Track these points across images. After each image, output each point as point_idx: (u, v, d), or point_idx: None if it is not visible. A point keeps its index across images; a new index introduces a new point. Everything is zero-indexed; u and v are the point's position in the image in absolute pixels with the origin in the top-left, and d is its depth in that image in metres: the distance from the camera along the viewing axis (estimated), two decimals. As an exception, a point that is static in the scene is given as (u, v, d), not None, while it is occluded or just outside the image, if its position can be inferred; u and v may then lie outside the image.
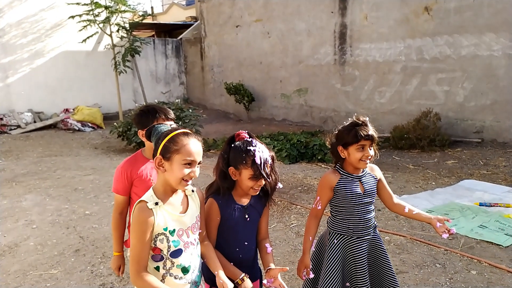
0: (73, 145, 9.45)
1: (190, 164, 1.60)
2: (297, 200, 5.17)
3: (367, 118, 2.17)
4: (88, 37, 11.05)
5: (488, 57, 7.38)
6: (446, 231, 2.06)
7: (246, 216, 1.94)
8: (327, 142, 2.34)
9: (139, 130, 2.25)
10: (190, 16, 17.00)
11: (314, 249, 2.43)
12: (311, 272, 1.98)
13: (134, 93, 13.52)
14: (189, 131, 1.67)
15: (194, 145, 1.62)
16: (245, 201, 1.94)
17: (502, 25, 7.12)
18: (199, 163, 1.63)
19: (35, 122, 11.28)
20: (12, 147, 9.04)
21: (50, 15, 11.80)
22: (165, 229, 1.61)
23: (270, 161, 1.83)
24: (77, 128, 11.21)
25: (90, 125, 11.48)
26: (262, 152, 1.80)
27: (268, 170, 1.81)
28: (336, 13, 9.75)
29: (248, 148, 1.80)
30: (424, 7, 8.11)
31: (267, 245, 2.02)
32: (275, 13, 11.22)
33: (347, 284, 2.22)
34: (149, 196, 1.62)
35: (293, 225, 4.40)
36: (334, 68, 10.05)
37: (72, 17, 10.77)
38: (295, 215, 4.66)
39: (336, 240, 2.23)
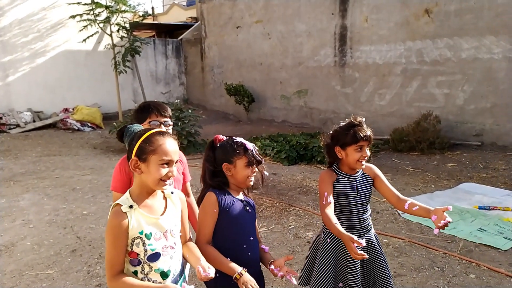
0: (72, 145, 9.43)
1: (168, 163, 1.58)
2: (296, 201, 5.15)
3: (364, 119, 2.17)
4: (88, 37, 11.03)
5: (488, 60, 7.36)
6: (440, 224, 1.86)
7: (248, 208, 1.96)
8: (322, 143, 2.33)
9: None
10: (191, 17, 16.99)
11: (310, 247, 2.42)
12: (360, 240, 1.80)
13: (134, 93, 13.50)
14: (164, 131, 1.66)
15: (170, 145, 1.60)
16: (241, 196, 1.99)
17: (503, 28, 7.11)
18: (176, 162, 1.63)
19: (34, 121, 11.25)
20: (11, 146, 9.03)
21: (51, 15, 11.79)
22: (141, 233, 1.57)
23: (256, 148, 1.97)
24: (76, 128, 11.18)
25: (89, 125, 11.45)
26: (247, 142, 1.95)
27: (258, 154, 1.94)
28: (336, 15, 9.74)
29: (235, 141, 1.94)
30: (424, 9, 8.10)
31: (263, 246, 2.04)
32: (275, 15, 11.21)
33: (340, 284, 2.21)
34: (124, 199, 1.59)
35: (291, 226, 4.38)
36: (334, 70, 10.04)
37: (73, 16, 10.76)
38: (293, 217, 4.64)
39: (329, 239, 2.23)
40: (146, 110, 2.24)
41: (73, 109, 11.83)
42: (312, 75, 10.55)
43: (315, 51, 10.37)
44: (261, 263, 2.04)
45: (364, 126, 2.13)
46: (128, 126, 1.69)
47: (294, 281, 1.86)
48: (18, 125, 10.81)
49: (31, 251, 3.92)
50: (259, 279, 1.94)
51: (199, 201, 1.96)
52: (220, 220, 1.88)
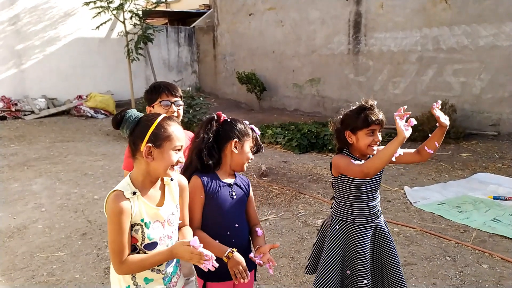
0: (85, 131, 9.52)
1: (179, 149, 1.57)
2: (306, 189, 5.11)
3: (375, 102, 2.10)
4: (101, 24, 11.03)
5: (507, 48, 7.14)
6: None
7: (233, 194, 1.89)
8: (331, 128, 2.27)
9: (147, 106, 2.28)
10: (204, 4, 16.90)
11: (318, 235, 2.38)
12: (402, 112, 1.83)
13: (147, 81, 13.52)
14: (170, 116, 1.64)
15: (179, 130, 1.58)
16: (229, 180, 1.92)
17: (524, 15, 6.88)
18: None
19: (48, 108, 11.38)
20: (25, 132, 9.15)
21: (63, 2, 11.82)
22: (142, 220, 1.53)
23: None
24: (89, 115, 11.28)
25: (102, 112, 11.53)
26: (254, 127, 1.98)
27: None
28: (350, 2, 9.54)
29: (244, 122, 1.93)
30: (442, -5, 7.87)
31: (258, 228, 1.97)
32: (288, 2, 11.04)
33: (348, 271, 2.16)
34: (125, 185, 1.54)
35: (301, 214, 4.34)
36: (347, 58, 9.87)
37: (86, 3, 10.76)
38: (303, 204, 4.61)
39: (338, 226, 2.17)
40: (156, 91, 2.23)
41: (86, 96, 11.91)
42: (325, 63, 10.40)
43: (329, 39, 10.21)
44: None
45: (376, 109, 2.06)
46: (127, 111, 1.61)
47: (271, 272, 1.79)
48: (32, 112, 10.94)
49: (43, 233, 3.98)
50: (246, 263, 1.86)
51: (184, 175, 1.87)
52: (204, 206, 1.84)
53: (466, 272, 3.13)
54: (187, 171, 1.87)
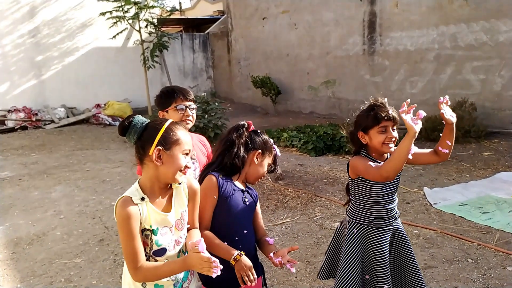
0: (103, 139, 9.66)
1: (187, 153, 1.56)
2: (322, 192, 5.04)
3: (386, 99, 2.04)
4: (118, 33, 11.25)
5: (528, 43, 6.93)
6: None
7: (246, 200, 1.88)
8: (344, 132, 2.23)
9: (159, 111, 2.28)
10: (218, 10, 17.02)
11: (332, 237, 2.33)
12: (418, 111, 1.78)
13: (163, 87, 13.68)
14: (177, 121, 1.66)
15: (186, 134, 1.58)
16: (242, 187, 1.92)
17: (545, 8, 6.67)
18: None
19: (68, 117, 11.62)
20: (46, 141, 9.34)
21: (80, 13, 12.11)
22: (150, 227, 1.52)
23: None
24: (108, 123, 11.46)
25: (120, 119, 11.68)
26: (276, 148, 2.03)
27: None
28: (365, 2, 9.44)
29: (269, 139, 1.96)
30: (458, -9, 7.70)
31: (268, 238, 1.94)
32: (302, 4, 11.01)
33: (367, 276, 2.09)
34: (134, 191, 1.54)
35: (317, 217, 4.28)
36: (363, 58, 9.76)
37: (103, 14, 11.00)
38: (319, 208, 4.54)
39: (356, 230, 2.11)
40: (171, 95, 2.22)
41: (104, 104, 12.12)
42: (340, 65, 10.31)
43: (343, 40, 10.12)
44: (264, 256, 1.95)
45: (387, 106, 2.01)
46: (134, 117, 1.60)
47: (293, 271, 1.77)
48: (52, 121, 11.19)
49: (61, 240, 4.03)
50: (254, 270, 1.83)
51: (204, 172, 1.89)
52: (216, 207, 1.81)
53: (490, 275, 3.02)
54: (207, 170, 1.87)
